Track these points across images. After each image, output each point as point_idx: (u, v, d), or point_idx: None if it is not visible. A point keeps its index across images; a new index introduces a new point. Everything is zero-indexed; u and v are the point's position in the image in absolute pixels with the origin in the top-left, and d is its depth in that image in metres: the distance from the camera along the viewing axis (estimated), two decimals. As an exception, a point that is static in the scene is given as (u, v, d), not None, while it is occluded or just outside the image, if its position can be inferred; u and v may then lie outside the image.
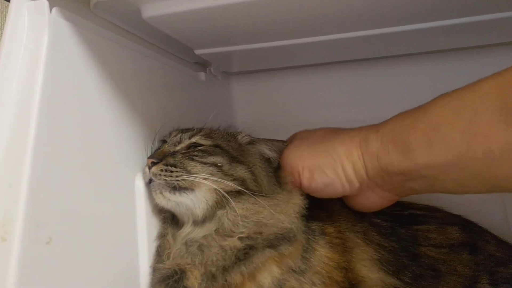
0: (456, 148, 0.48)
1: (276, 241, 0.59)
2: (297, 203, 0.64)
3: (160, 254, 0.63)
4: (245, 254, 0.58)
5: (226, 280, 0.56)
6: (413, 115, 0.55)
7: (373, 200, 0.64)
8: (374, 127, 0.60)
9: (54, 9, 0.51)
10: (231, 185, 0.61)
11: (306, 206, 0.64)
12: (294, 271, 0.59)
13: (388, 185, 0.60)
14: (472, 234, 0.71)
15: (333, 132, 0.66)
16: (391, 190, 0.61)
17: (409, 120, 0.55)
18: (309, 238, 0.63)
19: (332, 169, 0.62)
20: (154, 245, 0.64)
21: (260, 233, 0.59)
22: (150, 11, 0.60)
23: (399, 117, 0.57)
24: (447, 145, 0.49)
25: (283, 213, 0.62)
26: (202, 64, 1.02)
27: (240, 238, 0.59)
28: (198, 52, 0.83)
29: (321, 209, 0.69)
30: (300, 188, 0.66)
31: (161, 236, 0.65)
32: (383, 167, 0.57)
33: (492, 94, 0.45)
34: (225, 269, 0.57)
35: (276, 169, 0.69)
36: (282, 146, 0.70)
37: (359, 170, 0.60)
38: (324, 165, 0.62)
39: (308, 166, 0.64)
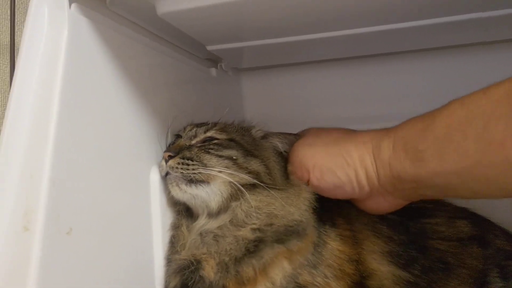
0: (470, 157, 0.46)
1: (285, 236, 0.60)
2: (307, 197, 0.64)
3: (174, 245, 0.64)
4: (254, 246, 0.58)
5: (237, 272, 0.57)
6: (423, 122, 0.53)
7: (383, 205, 0.64)
8: (386, 133, 0.59)
9: (73, 5, 0.52)
10: (246, 178, 0.62)
11: (316, 199, 0.65)
12: (307, 265, 0.59)
13: (399, 192, 0.59)
14: (481, 227, 0.71)
15: (347, 135, 0.65)
16: (402, 196, 0.61)
17: (420, 127, 0.53)
18: (320, 231, 0.63)
19: (344, 171, 0.61)
20: (168, 235, 0.65)
21: (271, 224, 0.60)
22: (164, 8, 0.61)
23: (410, 123, 0.56)
24: (460, 154, 0.47)
25: (294, 205, 0.62)
26: (214, 60, 1.03)
27: (252, 229, 0.60)
28: (210, 48, 0.84)
29: (330, 201, 0.68)
30: (307, 184, 0.65)
31: (175, 227, 0.66)
32: (395, 175, 0.56)
33: (503, 101, 0.44)
34: (236, 260, 0.58)
35: (285, 162, 0.70)
36: (294, 139, 0.71)
37: (371, 176, 0.60)
38: (336, 166, 0.62)
39: (319, 166, 0.63)
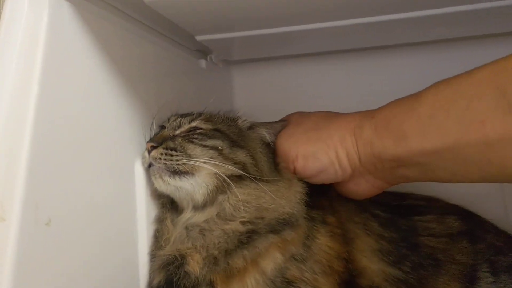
0: (451, 135, 0.48)
1: (278, 226, 0.59)
2: (298, 190, 0.64)
3: (158, 239, 0.63)
4: (248, 238, 0.58)
5: (228, 264, 0.56)
6: (408, 102, 0.55)
7: (364, 187, 0.65)
8: (369, 113, 0.60)
9: (54, -12, 0.50)
10: (232, 169, 0.60)
11: (307, 193, 0.64)
12: (296, 259, 0.59)
13: (380, 172, 0.60)
14: (472, 223, 0.71)
15: (328, 118, 0.67)
16: (382, 177, 0.62)
17: (404, 107, 0.55)
18: (310, 225, 0.63)
19: (325, 155, 0.62)
20: (152, 228, 0.64)
21: (262, 218, 0.59)
22: (151, -6, 0.60)
23: (394, 103, 0.58)
24: (442, 132, 0.49)
25: (284, 198, 0.62)
26: (203, 51, 1.01)
27: (242, 222, 0.59)
28: (199, 38, 0.82)
29: (322, 197, 0.69)
30: (294, 174, 0.66)
31: (160, 221, 0.65)
32: (376, 154, 0.58)
33: (487, 82, 0.45)
34: (227, 253, 0.57)
35: (273, 153, 0.69)
36: (280, 128, 0.70)
37: (352, 157, 0.61)
38: (318, 151, 0.63)
39: (301, 154, 0.64)
